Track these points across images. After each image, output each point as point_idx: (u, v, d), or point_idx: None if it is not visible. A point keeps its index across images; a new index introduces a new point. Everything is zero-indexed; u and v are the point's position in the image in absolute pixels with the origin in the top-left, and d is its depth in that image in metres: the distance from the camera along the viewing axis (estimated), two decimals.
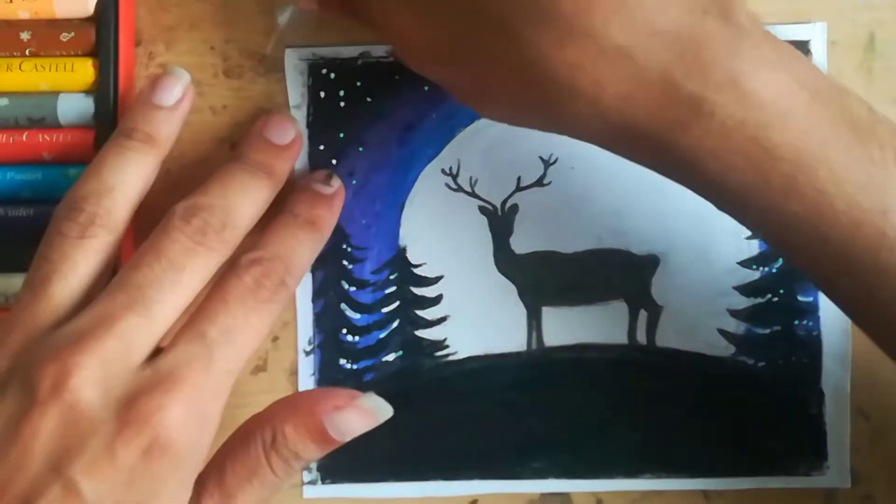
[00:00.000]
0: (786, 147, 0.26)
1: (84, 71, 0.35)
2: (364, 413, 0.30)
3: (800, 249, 0.28)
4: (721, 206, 0.28)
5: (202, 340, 0.28)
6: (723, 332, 0.35)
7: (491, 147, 0.36)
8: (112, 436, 0.26)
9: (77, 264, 0.29)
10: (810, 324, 0.35)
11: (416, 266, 0.36)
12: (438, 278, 0.36)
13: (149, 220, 0.31)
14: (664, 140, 0.27)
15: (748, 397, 0.35)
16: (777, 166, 0.26)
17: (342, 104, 0.36)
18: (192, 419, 0.27)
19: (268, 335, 0.32)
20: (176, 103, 0.33)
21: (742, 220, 0.29)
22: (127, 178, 0.31)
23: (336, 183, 0.35)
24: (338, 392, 0.30)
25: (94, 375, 0.26)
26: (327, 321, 0.36)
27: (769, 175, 0.26)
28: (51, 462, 0.26)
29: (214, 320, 0.29)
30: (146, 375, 0.27)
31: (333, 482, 0.36)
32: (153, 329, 0.28)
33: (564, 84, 0.26)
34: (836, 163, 0.26)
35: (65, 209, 0.30)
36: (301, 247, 0.33)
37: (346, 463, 0.36)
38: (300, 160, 0.36)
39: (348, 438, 0.29)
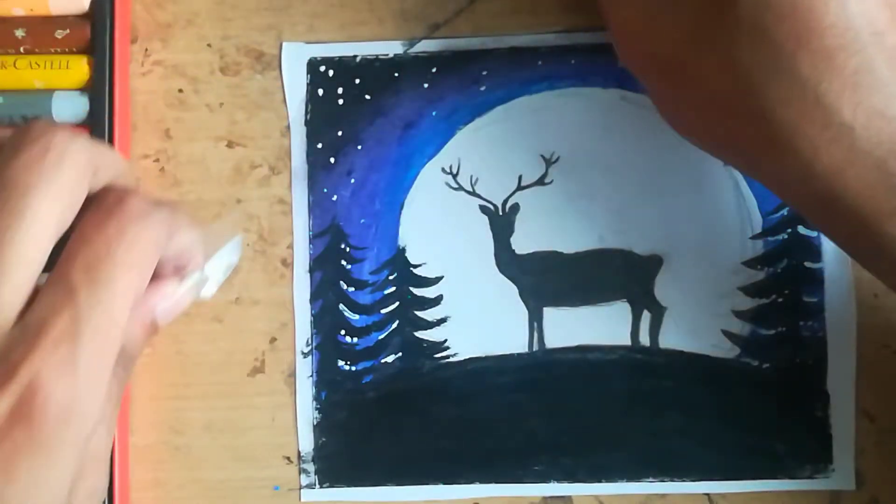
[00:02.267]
0: None
1: (79, 68, 0.35)
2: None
3: None
4: None
5: (65, 285, 0.24)
6: (727, 334, 0.35)
7: (492, 145, 0.35)
8: None
9: None
10: (815, 325, 0.34)
11: (416, 266, 0.35)
12: (438, 279, 0.35)
13: None
14: (866, 223, 0.27)
15: (753, 399, 0.35)
16: None
17: (341, 102, 0.35)
18: (63, 376, 0.24)
19: (150, 264, 0.26)
20: None
21: None
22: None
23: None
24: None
25: None
26: (325, 322, 0.36)
27: None
28: None
29: (73, 260, 0.25)
30: (13, 335, 0.24)
31: (331, 486, 0.35)
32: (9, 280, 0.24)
33: (781, 141, 0.26)
34: None
35: None
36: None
37: (344, 466, 0.35)
38: (299, 155, 0.35)
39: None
